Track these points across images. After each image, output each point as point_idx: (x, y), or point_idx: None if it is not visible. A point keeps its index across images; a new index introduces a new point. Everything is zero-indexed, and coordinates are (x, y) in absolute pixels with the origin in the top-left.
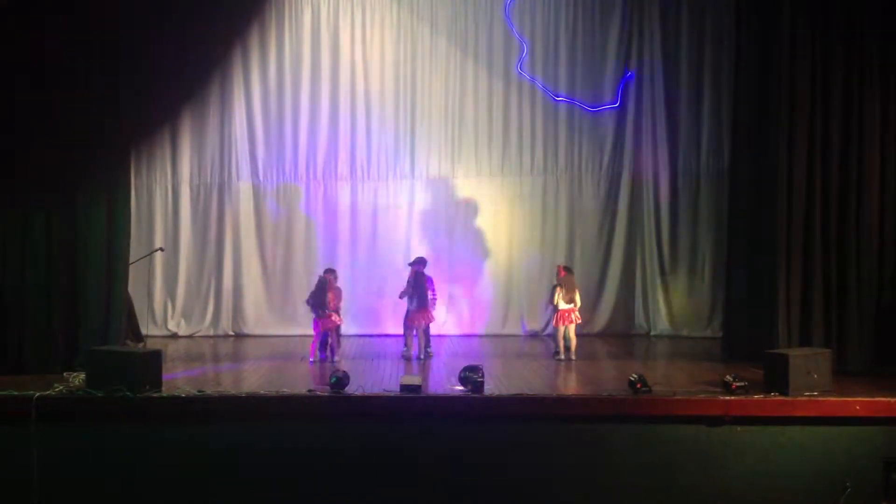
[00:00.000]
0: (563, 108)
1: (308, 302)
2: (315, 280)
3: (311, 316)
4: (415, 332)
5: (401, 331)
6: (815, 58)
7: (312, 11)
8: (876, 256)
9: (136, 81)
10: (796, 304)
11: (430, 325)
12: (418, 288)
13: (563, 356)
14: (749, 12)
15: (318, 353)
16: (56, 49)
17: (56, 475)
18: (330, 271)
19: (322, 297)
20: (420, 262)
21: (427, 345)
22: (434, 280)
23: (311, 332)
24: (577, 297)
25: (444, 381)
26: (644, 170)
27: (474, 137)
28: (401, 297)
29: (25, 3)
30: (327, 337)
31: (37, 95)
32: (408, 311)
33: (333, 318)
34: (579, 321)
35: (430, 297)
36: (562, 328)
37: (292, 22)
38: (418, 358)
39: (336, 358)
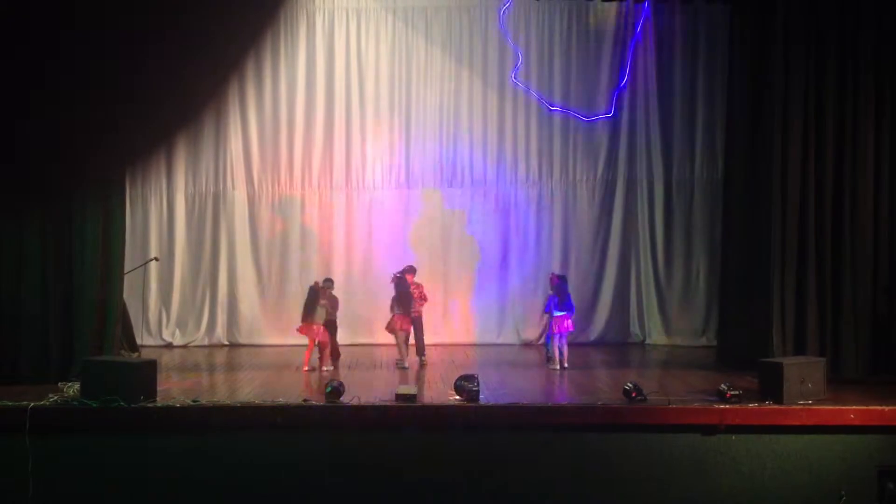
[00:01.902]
0: (557, 118)
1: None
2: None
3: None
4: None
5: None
6: (808, 67)
7: (308, 22)
8: (871, 265)
9: (134, 92)
10: (791, 313)
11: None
12: (401, 294)
13: (557, 365)
14: (743, 22)
15: (312, 361)
16: (55, 61)
17: (51, 485)
18: (328, 281)
19: (310, 306)
20: (408, 271)
21: (420, 353)
22: (423, 286)
23: (305, 341)
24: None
25: (440, 391)
26: (638, 178)
27: (469, 147)
28: (392, 311)
29: (26, 17)
30: (323, 346)
31: (33, 106)
32: (392, 318)
33: (315, 329)
34: (571, 329)
35: (415, 303)
36: (556, 336)
37: (287, 32)
38: (406, 367)
39: (328, 367)
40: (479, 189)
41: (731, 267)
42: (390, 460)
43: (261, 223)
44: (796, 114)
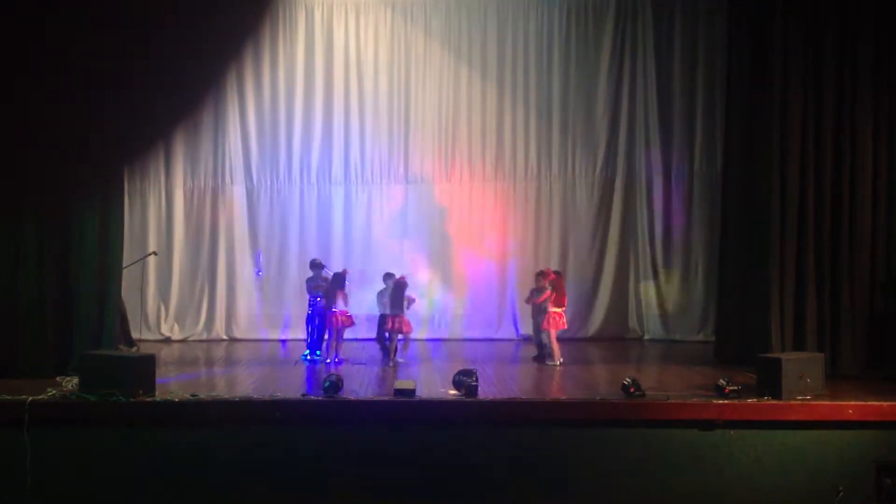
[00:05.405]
0: (556, 113)
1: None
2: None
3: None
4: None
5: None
6: (807, 63)
7: (307, 16)
8: (868, 261)
9: (133, 85)
10: (789, 309)
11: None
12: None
13: (557, 360)
14: (742, 17)
15: (333, 352)
16: (49, 59)
17: (49, 479)
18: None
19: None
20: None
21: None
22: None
23: (300, 336)
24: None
25: (438, 386)
26: (637, 174)
27: (468, 142)
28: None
29: (24, 11)
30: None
31: (30, 102)
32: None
33: (339, 314)
34: (565, 327)
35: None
36: (553, 332)
37: (286, 27)
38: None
39: (339, 358)
40: (477, 184)
41: (730, 262)
42: (388, 455)
43: (259, 218)
44: (795, 107)
